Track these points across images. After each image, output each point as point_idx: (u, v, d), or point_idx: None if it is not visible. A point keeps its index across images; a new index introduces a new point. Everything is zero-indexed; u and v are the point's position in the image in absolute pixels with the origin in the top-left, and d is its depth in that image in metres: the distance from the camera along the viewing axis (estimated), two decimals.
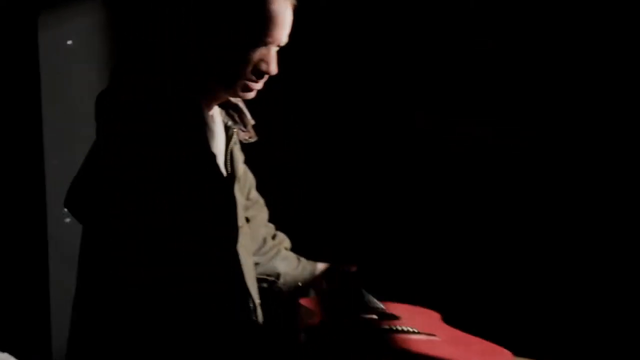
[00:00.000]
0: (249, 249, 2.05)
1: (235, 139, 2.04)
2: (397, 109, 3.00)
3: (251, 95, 1.98)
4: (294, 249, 2.32)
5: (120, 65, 1.97)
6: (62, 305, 2.82)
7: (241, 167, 2.07)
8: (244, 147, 2.17)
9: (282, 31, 1.93)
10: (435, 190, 2.99)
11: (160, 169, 1.80)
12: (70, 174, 2.88)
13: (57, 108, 2.91)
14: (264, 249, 2.23)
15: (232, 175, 2.02)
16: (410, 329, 1.87)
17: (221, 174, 1.93)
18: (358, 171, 3.12)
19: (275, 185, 2.37)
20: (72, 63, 2.95)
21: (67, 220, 2.93)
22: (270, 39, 1.92)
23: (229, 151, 2.02)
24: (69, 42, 2.94)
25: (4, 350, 2.63)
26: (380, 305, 2.01)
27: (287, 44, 1.97)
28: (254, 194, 2.25)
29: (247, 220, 2.12)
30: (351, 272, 2.15)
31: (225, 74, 1.93)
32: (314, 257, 2.28)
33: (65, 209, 2.88)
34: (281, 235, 2.31)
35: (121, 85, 1.89)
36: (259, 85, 1.96)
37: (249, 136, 2.08)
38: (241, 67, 1.93)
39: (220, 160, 1.98)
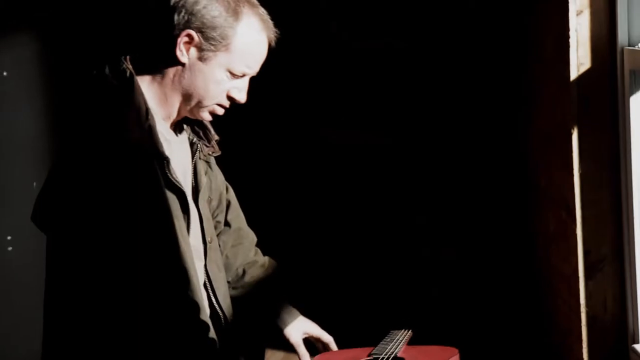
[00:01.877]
0: (219, 263, 2.12)
1: (198, 154, 2.08)
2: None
3: (211, 118, 2.04)
4: None
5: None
6: None
7: (204, 180, 2.10)
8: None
9: (259, 64, 2.00)
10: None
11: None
12: (8, 201, 2.93)
13: None
14: (241, 282, 2.29)
15: (196, 189, 2.06)
16: None
17: (180, 187, 1.96)
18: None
19: None
20: (7, 92, 2.98)
21: (10, 248, 2.97)
22: (248, 71, 1.99)
23: (193, 165, 2.06)
24: (5, 74, 2.97)
25: None
26: (392, 350, 2.16)
27: None
28: (233, 217, 2.30)
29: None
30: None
31: (198, 98, 1.98)
32: None
33: (9, 237, 2.95)
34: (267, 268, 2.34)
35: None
36: (222, 111, 2.03)
37: (212, 151, 2.12)
38: (216, 92, 1.98)
39: (186, 173, 2.03)
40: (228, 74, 1.97)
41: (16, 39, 2.99)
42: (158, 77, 1.97)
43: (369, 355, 2.14)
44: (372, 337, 2.30)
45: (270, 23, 1.99)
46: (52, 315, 1.92)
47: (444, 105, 2.83)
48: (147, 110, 1.90)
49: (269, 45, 2.00)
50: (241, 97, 2.00)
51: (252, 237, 2.34)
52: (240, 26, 1.95)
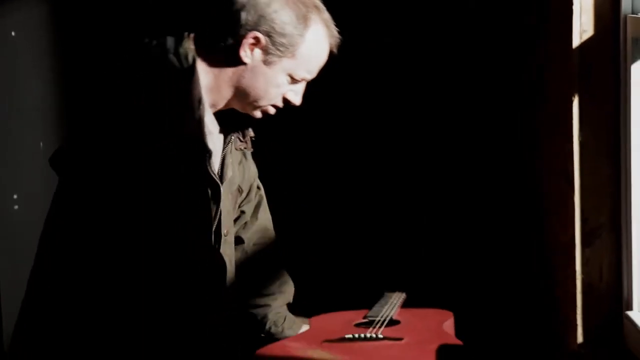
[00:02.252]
0: (231, 258, 2.08)
1: (230, 145, 2.05)
2: None
3: (261, 116, 2.03)
4: None
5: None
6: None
7: (229, 173, 2.07)
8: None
9: (319, 69, 2.00)
10: None
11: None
12: (16, 161, 2.96)
13: (2, 98, 2.96)
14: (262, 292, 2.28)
15: (221, 180, 2.02)
16: (375, 336, 2.00)
17: (216, 180, 1.95)
18: None
19: None
20: (16, 52, 2.99)
21: (16, 207, 2.99)
22: (309, 76, 2.00)
23: (222, 156, 2.03)
24: (13, 34, 2.98)
25: None
26: (387, 312, 2.18)
27: None
28: (262, 214, 2.28)
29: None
30: None
31: (255, 98, 1.98)
32: None
33: (15, 195, 2.97)
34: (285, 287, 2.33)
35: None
36: (274, 111, 2.03)
37: (245, 146, 2.11)
38: (274, 95, 1.98)
39: (216, 161, 2.01)
40: (289, 78, 1.98)
41: None
42: (215, 69, 1.95)
43: (364, 318, 2.17)
44: (366, 299, 2.32)
45: (335, 30, 1.99)
46: (41, 273, 1.93)
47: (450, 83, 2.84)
48: (201, 99, 1.89)
49: (330, 51, 2.00)
50: (297, 99, 2.01)
51: (276, 240, 2.31)
52: (308, 34, 1.95)
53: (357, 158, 2.93)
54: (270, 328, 2.22)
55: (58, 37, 3.07)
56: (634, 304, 2.08)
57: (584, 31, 2.07)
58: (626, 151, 2.06)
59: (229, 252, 2.04)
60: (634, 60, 2.01)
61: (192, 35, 1.96)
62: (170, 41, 1.94)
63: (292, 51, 1.94)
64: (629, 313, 2.08)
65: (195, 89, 1.89)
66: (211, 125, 1.95)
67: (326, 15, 1.99)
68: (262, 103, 1.99)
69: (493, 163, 2.78)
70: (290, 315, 2.27)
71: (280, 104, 2.01)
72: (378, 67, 2.90)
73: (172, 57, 1.91)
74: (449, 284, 2.74)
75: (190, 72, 1.89)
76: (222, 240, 2.00)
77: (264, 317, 2.24)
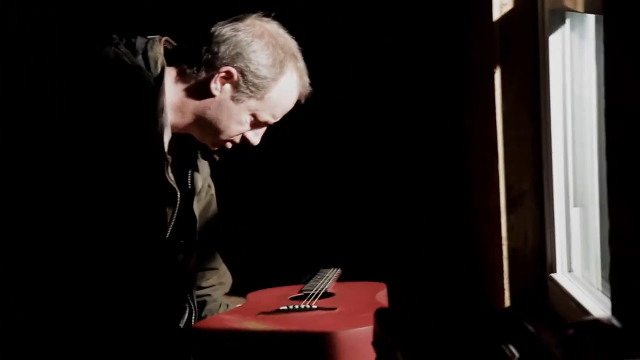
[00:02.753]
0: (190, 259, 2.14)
1: (198, 157, 2.08)
2: None
3: (217, 149, 2.04)
4: None
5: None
6: None
7: (200, 184, 2.10)
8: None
9: (282, 115, 2.03)
10: None
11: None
12: None
13: None
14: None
15: (191, 191, 2.06)
16: (309, 307, 2.04)
17: (174, 188, 1.97)
18: None
19: None
20: None
21: None
22: (271, 120, 2.02)
23: (189, 168, 2.06)
24: None
25: None
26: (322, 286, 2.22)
27: None
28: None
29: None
30: None
31: (215, 130, 1.99)
32: None
33: None
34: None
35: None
36: (230, 146, 2.04)
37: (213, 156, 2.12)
38: (234, 131, 2.00)
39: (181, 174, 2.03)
40: (252, 118, 2.00)
41: None
42: (182, 91, 1.96)
43: (299, 292, 2.21)
44: (301, 276, 2.37)
45: (307, 81, 2.02)
46: None
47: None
48: (164, 108, 1.90)
49: (298, 100, 2.03)
50: (255, 141, 2.04)
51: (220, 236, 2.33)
52: (281, 81, 1.98)
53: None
54: (205, 315, 2.26)
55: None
56: (557, 266, 2.17)
57: (504, 4, 2.15)
58: (546, 120, 2.14)
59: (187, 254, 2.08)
60: (551, 32, 2.09)
61: (163, 39, 1.97)
62: (140, 42, 1.94)
63: (262, 93, 1.97)
64: (553, 275, 2.17)
65: (160, 96, 1.89)
66: (166, 136, 1.94)
67: (302, 64, 2.02)
68: (221, 137, 2.01)
69: (421, 137, 2.83)
70: (226, 301, 2.30)
71: (238, 141, 2.03)
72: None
73: (140, 58, 1.92)
74: (381, 258, 2.79)
75: (158, 79, 1.90)
76: (181, 245, 2.05)
77: (203, 306, 2.28)
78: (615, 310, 1.45)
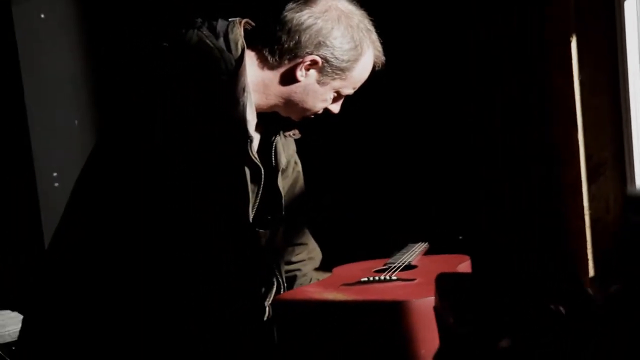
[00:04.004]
0: (275, 235, 2.19)
1: (281, 134, 2.14)
2: None
3: (300, 119, 2.13)
4: None
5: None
6: None
7: (284, 160, 2.17)
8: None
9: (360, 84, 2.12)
10: None
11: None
12: (53, 138, 3.10)
13: (35, 79, 3.12)
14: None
15: (276, 167, 2.13)
16: (389, 278, 2.10)
17: (258, 164, 2.02)
18: None
19: None
20: (47, 34, 3.14)
21: (56, 184, 3.15)
22: (352, 92, 2.11)
23: (273, 144, 2.12)
24: (42, 16, 3.13)
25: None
26: (406, 259, 2.30)
27: None
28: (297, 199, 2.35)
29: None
30: None
31: (302, 108, 2.08)
32: None
33: (55, 173, 3.11)
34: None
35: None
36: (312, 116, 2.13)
37: (293, 133, 2.19)
38: (320, 107, 2.09)
39: (255, 146, 2.07)
40: (336, 94, 2.09)
41: None
42: (266, 75, 2.04)
43: (384, 265, 2.28)
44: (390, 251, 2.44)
45: (381, 49, 2.10)
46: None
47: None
48: (245, 88, 1.97)
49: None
50: (337, 110, 2.13)
51: (308, 212, 2.41)
52: (362, 59, 2.06)
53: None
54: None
55: (86, 16, 3.21)
56: None
57: None
58: (625, 88, 2.15)
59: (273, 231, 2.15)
60: None
61: (243, 21, 2.05)
62: (221, 24, 2.02)
63: (346, 74, 2.05)
64: None
65: (242, 76, 1.97)
66: (250, 114, 2.02)
67: (374, 35, 2.09)
68: (307, 114, 2.11)
69: (504, 111, 2.85)
70: (317, 276, 2.39)
71: (321, 112, 2.12)
72: None
73: (221, 41, 2.00)
74: (468, 232, 2.83)
75: (239, 60, 1.97)
76: (267, 221, 2.12)
77: (293, 281, 2.38)
78: None
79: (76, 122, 3.22)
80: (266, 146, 2.15)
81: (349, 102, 2.17)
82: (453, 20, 2.79)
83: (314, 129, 2.30)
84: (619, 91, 2.16)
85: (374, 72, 2.10)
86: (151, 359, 1.93)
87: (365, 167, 3.00)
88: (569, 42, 2.19)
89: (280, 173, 2.17)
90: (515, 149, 2.81)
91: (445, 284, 1.52)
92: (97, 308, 1.93)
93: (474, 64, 2.81)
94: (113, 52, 3.17)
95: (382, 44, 2.11)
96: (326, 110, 2.14)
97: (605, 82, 2.18)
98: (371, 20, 2.09)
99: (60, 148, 3.18)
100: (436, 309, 1.57)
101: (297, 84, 2.06)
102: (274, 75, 2.06)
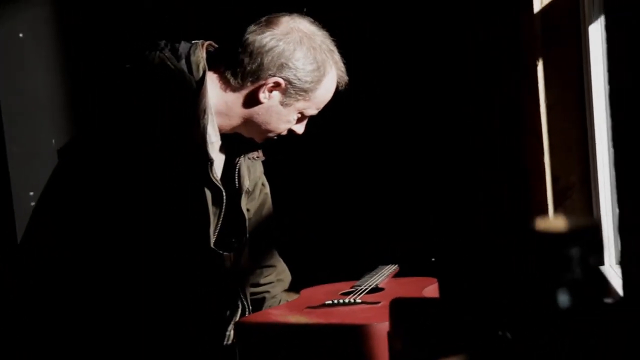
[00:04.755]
0: (240, 257, 2.23)
1: (243, 156, 2.18)
2: None
3: (262, 141, 2.17)
4: None
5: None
6: None
7: (247, 182, 2.19)
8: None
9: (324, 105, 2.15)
10: None
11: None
12: (30, 158, 3.09)
13: (12, 98, 3.12)
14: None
15: (238, 190, 2.16)
16: (353, 301, 2.12)
17: (219, 186, 2.06)
18: None
19: None
20: (25, 54, 3.14)
21: (32, 204, 3.14)
22: (316, 112, 2.15)
23: (237, 166, 2.16)
24: (21, 35, 3.13)
25: None
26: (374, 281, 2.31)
27: None
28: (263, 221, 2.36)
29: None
30: None
31: (265, 130, 2.11)
32: None
33: (31, 193, 3.11)
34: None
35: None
36: (275, 138, 2.17)
37: (257, 155, 2.24)
38: (283, 128, 2.13)
39: (218, 168, 2.12)
40: (299, 115, 2.13)
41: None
42: (228, 97, 2.06)
43: (351, 287, 2.28)
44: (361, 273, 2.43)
45: (343, 69, 2.14)
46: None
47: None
48: (206, 110, 2.00)
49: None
50: (301, 131, 2.16)
51: (276, 234, 2.42)
52: (325, 80, 2.10)
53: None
54: None
55: (65, 36, 3.21)
56: (605, 260, 2.16)
57: None
58: (590, 111, 2.14)
59: (237, 253, 2.17)
60: (591, 21, 2.10)
61: (205, 43, 2.08)
62: (183, 47, 2.05)
63: (309, 95, 2.09)
64: (601, 268, 2.17)
65: (202, 98, 2.00)
66: (213, 136, 2.06)
67: (337, 56, 2.13)
68: (270, 135, 2.14)
69: (478, 128, 2.85)
70: (286, 298, 2.39)
71: (285, 133, 2.15)
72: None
73: (183, 63, 2.03)
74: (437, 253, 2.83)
75: (200, 82, 2.00)
76: (231, 244, 2.15)
77: (262, 303, 2.37)
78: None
79: (53, 141, 3.21)
80: (230, 168, 2.15)
81: (325, 117, 2.17)
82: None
83: (280, 149, 2.30)
84: (586, 114, 2.16)
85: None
86: None
87: (340, 184, 3.00)
88: (536, 64, 2.19)
89: (244, 195, 2.18)
90: (490, 169, 2.82)
91: (399, 309, 1.52)
92: (56, 320, 1.94)
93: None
94: (90, 71, 3.18)
95: (347, 63, 2.12)
96: (290, 131, 2.14)
97: (572, 103, 2.18)
98: (334, 40, 2.10)
99: (36, 167, 3.17)
100: (389, 334, 1.57)
101: (260, 106, 2.07)
102: (236, 98, 2.07)
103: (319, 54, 2.07)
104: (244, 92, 2.07)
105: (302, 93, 2.07)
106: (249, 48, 2.04)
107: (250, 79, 2.05)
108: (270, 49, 2.03)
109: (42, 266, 1.97)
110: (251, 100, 2.07)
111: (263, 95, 2.05)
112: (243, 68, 2.04)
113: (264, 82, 2.04)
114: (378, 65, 2.93)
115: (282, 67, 2.04)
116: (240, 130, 2.13)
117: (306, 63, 2.05)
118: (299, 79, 2.06)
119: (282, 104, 2.08)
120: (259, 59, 2.03)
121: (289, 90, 2.06)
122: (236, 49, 2.05)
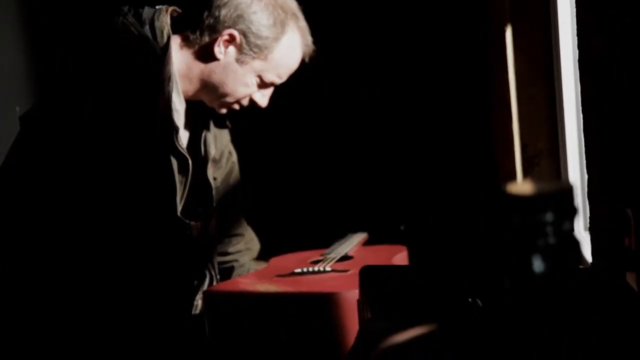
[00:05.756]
0: (208, 226, 2.20)
1: (210, 124, 2.15)
2: None
3: (225, 112, 2.12)
4: None
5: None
6: None
7: (213, 151, 2.16)
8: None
9: (289, 75, 2.11)
10: None
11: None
12: None
13: None
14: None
15: (205, 158, 2.13)
16: (322, 269, 2.11)
17: (185, 155, 2.02)
18: None
19: None
20: None
21: None
22: (278, 81, 2.11)
23: (202, 134, 2.13)
24: None
25: None
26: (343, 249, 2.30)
27: None
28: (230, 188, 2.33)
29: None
30: None
31: (223, 94, 2.07)
32: None
33: None
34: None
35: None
36: (238, 108, 2.12)
37: (224, 124, 2.20)
38: (241, 93, 2.08)
39: (184, 137, 2.08)
40: (258, 79, 2.08)
41: None
42: (188, 58, 2.04)
43: (320, 255, 2.28)
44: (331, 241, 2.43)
45: (310, 39, 2.10)
46: None
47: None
48: (170, 77, 1.97)
49: (302, 60, 2.10)
50: (264, 102, 2.12)
51: (244, 202, 2.39)
52: (284, 39, 2.05)
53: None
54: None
55: (28, 2, 3.17)
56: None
57: None
58: (558, 79, 2.15)
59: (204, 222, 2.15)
60: None
61: (170, 8, 2.05)
62: (147, 12, 2.02)
63: (265, 54, 2.04)
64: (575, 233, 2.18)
65: (166, 65, 1.96)
66: (178, 104, 2.03)
67: (303, 23, 2.09)
68: (229, 100, 2.09)
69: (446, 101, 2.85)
70: (255, 266, 2.38)
71: (246, 103, 2.11)
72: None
73: (147, 28, 1.99)
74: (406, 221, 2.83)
75: (164, 49, 1.97)
76: (198, 212, 2.12)
77: (231, 272, 2.36)
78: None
79: (17, 108, 3.18)
80: (197, 137, 2.13)
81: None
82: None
83: (250, 119, 2.28)
84: (554, 82, 2.17)
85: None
86: (77, 352, 1.92)
87: (307, 156, 3.00)
88: (504, 32, 2.19)
89: (210, 163, 2.16)
90: (460, 139, 2.82)
91: (368, 277, 1.52)
92: (21, 299, 1.92)
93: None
94: (54, 38, 3.14)
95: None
96: (252, 102, 2.12)
97: (540, 72, 2.18)
98: (300, 7, 2.08)
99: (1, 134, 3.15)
100: (358, 302, 1.57)
101: (216, 63, 2.05)
102: (195, 56, 2.05)
103: (278, 11, 2.04)
104: (202, 48, 2.04)
105: (257, 50, 2.04)
106: (210, 3, 2.02)
107: (208, 33, 2.02)
108: (228, 1, 2.01)
109: (5, 230, 1.95)
110: (208, 56, 2.04)
111: (218, 50, 2.03)
112: (202, 22, 2.02)
113: (219, 35, 2.02)
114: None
115: (237, 18, 2.01)
116: (200, 95, 2.10)
117: (262, 17, 2.03)
118: (253, 33, 2.02)
119: (237, 61, 2.05)
120: (217, 12, 2.01)
121: (244, 45, 2.03)
122: (199, 6, 2.03)
